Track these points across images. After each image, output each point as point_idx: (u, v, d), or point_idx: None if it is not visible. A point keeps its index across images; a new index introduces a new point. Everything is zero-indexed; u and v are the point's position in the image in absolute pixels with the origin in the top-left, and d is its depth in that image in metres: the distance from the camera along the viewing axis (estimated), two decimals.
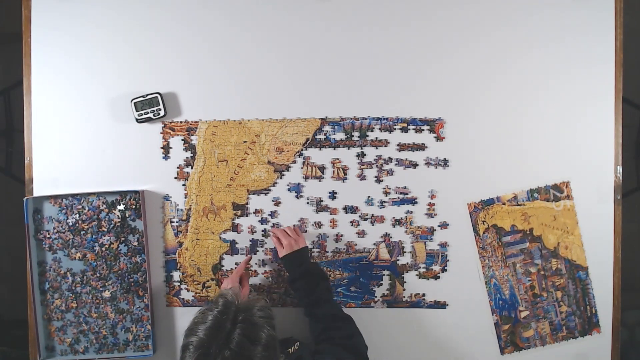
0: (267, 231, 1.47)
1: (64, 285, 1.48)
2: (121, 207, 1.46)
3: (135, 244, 1.47)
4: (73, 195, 1.46)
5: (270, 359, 1.06)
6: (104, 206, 1.46)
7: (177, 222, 1.48)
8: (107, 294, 1.48)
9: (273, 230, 1.44)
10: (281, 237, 1.40)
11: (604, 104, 1.45)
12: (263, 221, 1.48)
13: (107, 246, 1.47)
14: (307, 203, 1.47)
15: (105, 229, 1.47)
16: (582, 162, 1.45)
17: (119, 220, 1.46)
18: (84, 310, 1.48)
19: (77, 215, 1.46)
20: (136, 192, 1.46)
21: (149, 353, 1.47)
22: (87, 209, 1.47)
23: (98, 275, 1.47)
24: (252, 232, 1.48)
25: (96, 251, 1.47)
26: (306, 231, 1.48)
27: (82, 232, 1.47)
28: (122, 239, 1.47)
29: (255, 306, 1.12)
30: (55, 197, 1.46)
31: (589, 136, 1.45)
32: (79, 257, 1.47)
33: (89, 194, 1.46)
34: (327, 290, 1.36)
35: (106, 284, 1.47)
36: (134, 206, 1.46)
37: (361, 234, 1.47)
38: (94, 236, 1.47)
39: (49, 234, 1.47)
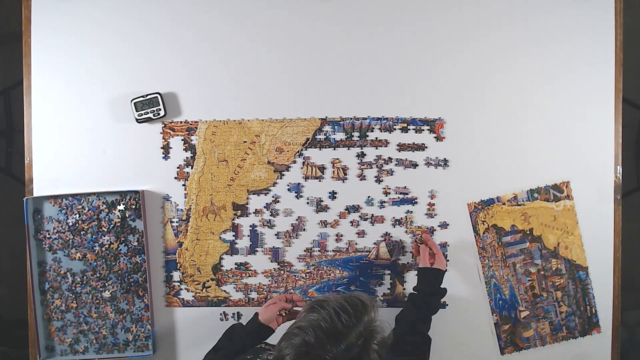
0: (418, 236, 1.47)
1: (64, 285, 1.48)
2: (121, 207, 1.46)
3: (135, 244, 1.47)
4: (73, 195, 1.46)
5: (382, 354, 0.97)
6: (104, 206, 1.46)
7: (177, 222, 1.48)
8: (107, 294, 1.48)
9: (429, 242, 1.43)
10: (437, 251, 1.39)
11: (604, 104, 1.45)
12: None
13: (107, 246, 1.47)
14: (307, 203, 1.47)
15: (105, 229, 1.47)
16: (582, 162, 1.45)
17: (119, 220, 1.46)
18: (84, 310, 1.48)
19: (77, 215, 1.46)
20: (136, 192, 1.46)
21: (148, 353, 1.47)
22: (87, 209, 1.47)
23: (98, 275, 1.47)
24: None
25: (96, 251, 1.47)
26: (305, 230, 1.48)
27: (82, 232, 1.47)
28: (122, 239, 1.47)
29: (378, 337, 0.99)
30: (55, 197, 1.46)
31: (589, 136, 1.45)
32: (79, 257, 1.47)
33: (89, 194, 1.46)
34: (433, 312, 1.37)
35: (106, 284, 1.47)
36: (134, 206, 1.46)
37: (361, 233, 1.47)
38: (94, 236, 1.47)
39: (49, 234, 1.47)
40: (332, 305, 0.98)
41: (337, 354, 0.91)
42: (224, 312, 1.49)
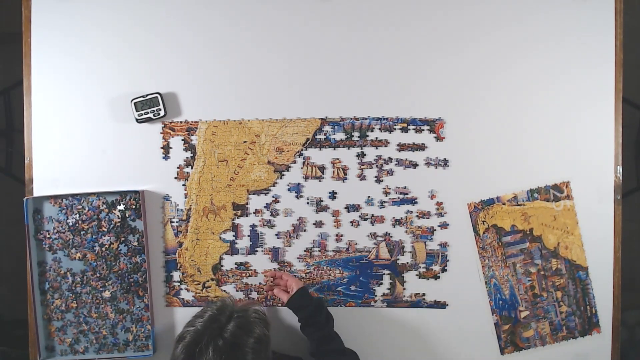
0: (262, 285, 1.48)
1: (64, 285, 1.48)
2: (121, 207, 1.46)
3: (135, 244, 1.47)
4: (73, 195, 1.46)
5: (261, 353, 1.12)
6: (104, 206, 1.46)
7: (177, 222, 1.48)
8: (107, 294, 1.48)
9: (272, 281, 1.46)
10: (286, 277, 1.43)
11: (604, 104, 1.45)
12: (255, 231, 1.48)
13: (107, 246, 1.47)
14: (307, 203, 1.47)
15: (105, 229, 1.47)
16: (582, 162, 1.45)
17: (119, 220, 1.46)
18: (84, 311, 1.48)
19: (77, 215, 1.46)
20: (136, 192, 1.46)
21: (148, 353, 1.47)
22: (87, 209, 1.47)
23: (98, 275, 1.47)
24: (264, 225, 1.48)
25: (96, 251, 1.47)
26: (305, 230, 1.48)
27: (82, 232, 1.47)
28: (122, 239, 1.47)
29: (251, 308, 1.19)
30: (55, 197, 1.46)
31: (589, 136, 1.45)
32: (79, 257, 1.47)
33: (89, 194, 1.46)
34: (331, 329, 1.37)
35: (106, 284, 1.47)
36: (134, 206, 1.46)
37: (361, 234, 1.47)
38: (94, 236, 1.47)
39: (49, 234, 1.47)
40: (197, 313, 1.21)
41: (215, 331, 1.11)
42: None
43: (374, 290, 1.48)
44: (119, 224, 1.46)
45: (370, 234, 1.47)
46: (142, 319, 1.48)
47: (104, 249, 1.47)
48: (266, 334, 1.16)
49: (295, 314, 1.38)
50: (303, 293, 1.38)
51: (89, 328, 1.48)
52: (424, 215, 1.47)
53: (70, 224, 1.46)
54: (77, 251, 1.47)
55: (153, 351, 1.47)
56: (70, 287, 1.48)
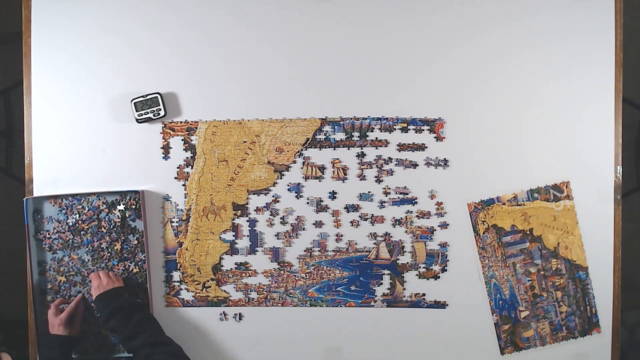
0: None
1: (63, 285, 1.47)
2: (121, 207, 1.46)
3: (135, 243, 1.47)
4: (73, 195, 1.46)
5: None
6: (104, 206, 1.46)
7: (177, 222, 1.48)
8: None
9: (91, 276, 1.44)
10: (94, 277, 1.41)
11: (604, 104, 1.45)
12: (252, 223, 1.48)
13: (107, 246, 1.47)
14: (307, 203, 1.48)
15: (105, 229, 1.47)
16: (582, 162, 1.45)
17: (119, 220, 1.46)
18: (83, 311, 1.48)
19: (77, 216, 1.46)
20: (136, 192, 1.46)
21: None
22: (87, 209, 1.47)
23: None
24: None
25: (97, 252, 1.47)
26: (304, 229, 1.48)
27: (82, 232, 1.47)
28: (122, 239, 1.47)
29: None
30: (55, 197, 1.46)
31: (589, 136, 1.45)
32: (79, 257, 1.47)
33: (89, 194, 1.46)
34: (144, 319, 1.36)
35: None
36: (134, 206, 1.46)
37: (361, 234, 1.47)
38: (94, 237, 1.47)
39: (49, 234, 1.47)
40: None
41: None
42: (223, 312, 1.49)
43: (374, 290, 1.48)
44: (119, 224, 1.46)
45: (370, 234, 1.47)
46: None
47: (103, 248, 1.47)
48: None
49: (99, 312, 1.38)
50: (116, 291, 1.38)
51: (89, 328, 1.48)
52: (424, 215, 1.47)
53: (70, 224, 1.46)
54: (77, 251, 1.47)
55: None
56: (69, 287, 1.48)
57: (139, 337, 1.31)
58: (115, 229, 1.47)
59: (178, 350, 1.34)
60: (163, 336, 1.36)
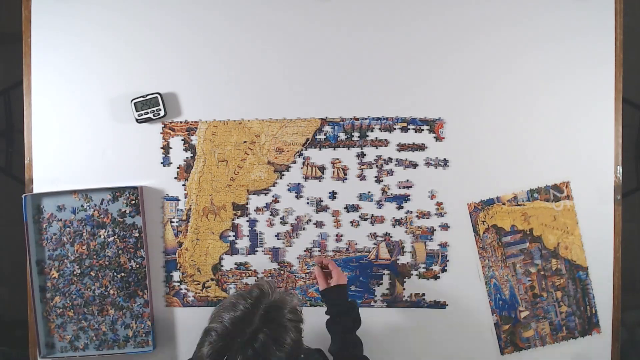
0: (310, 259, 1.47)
1: (63, 282, 1.48)
2: (121, 204, 1.46)
3: (135, 241, 1.47)
4: (72, 192, 1.46)
5: None
6: (104, 204, 1.47)
7: (177, 222, 1.48)
8: (106, 292, 1.48)
9: (324, 261, 1.38)
10: (332, 267, 1.35)
11: (604, 104, 1.45)
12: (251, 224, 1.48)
13: (106, 243, 1.47)
14: (307, 203, 1.47)
15: (105, 227, 1.46)
16: (582, 162, 1.45)
17: (119, 218, 1.46)
18: (83, 308, 1.48)
19: (77, 214, 1.46)
20: (135, 187, 1.46)
21: (149, 349, 1.47)
22: (86, 206, 1.47)
23: (97, 273, 1.47)
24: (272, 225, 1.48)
25: (96, 249, 1.47)
26: (304, 229, 1.48)
27: (81, 231, 1.47)
28: (122, 236, 1.47)
29: (287, 307, 1.08)
30: (54, 194, 1.46)
31: (589, 136, 1.45)
32: (79, 255, 1.47)
33: (88, 190, 1.46)
34: (355, 337, 1.34)
35: (106, 282, 1.47)
36: (133, 202, 1.46)
37: (361, 234, 1.47)
38: (92, 235, 1.47)
39: (48, 232, 1.47)
40: (230, 299, 1.09)
41: (246, 336, 1.01)
42: None
43: (374, 290, 1.48)
44: (118, 222, 1.46)
45: (370, 234, 1.47)
46: (142, 315, 1.48)
47: (103, 246, 1.47)
48: (298, 341, 1.07)
49: (326, 305, 1.34)
50: (342, 289, 1.33)
51: (89, 325, 1.48)
52: (424, 215, 1.47)
53: (70, 222, 1.46)
54: (76, 248, 1.47)
55: (153, 347, 1.47)
56: (69, 284, 1.48)
57: (352, 349, 1.30)
58: (114, 226, 1.46)
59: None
60: (362, 352, 1.32)
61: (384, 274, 1.48)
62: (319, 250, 1.48)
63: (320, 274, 1.34)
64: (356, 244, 1.48)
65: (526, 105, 1.45)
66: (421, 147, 1.46)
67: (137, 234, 1.47)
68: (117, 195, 1.47)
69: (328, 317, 1.33)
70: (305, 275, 1.48)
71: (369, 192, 1.47)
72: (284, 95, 1.47)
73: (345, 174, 1.47)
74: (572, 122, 1.45)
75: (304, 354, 1.15)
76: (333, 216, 1.47)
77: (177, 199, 1.48)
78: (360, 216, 1.47)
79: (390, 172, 1.47)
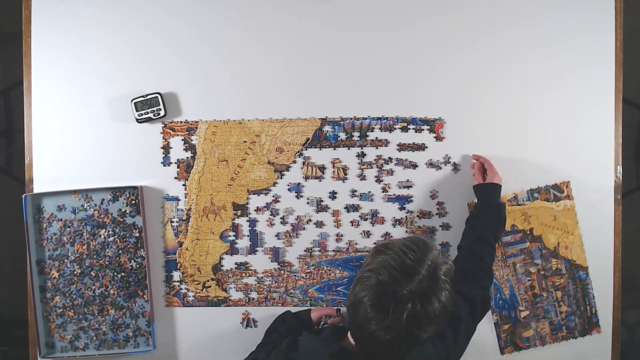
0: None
1: (63, 282, 1.48)
2: (121, 204, 1.46)
3: (135, 241, 1.47)
4: (72, 192, 1.46)
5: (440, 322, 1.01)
6: (104, 203, 1.47)
7: (177, 222, 1.48)
8: (106, 292, 1.48)
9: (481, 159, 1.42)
10: (488, 166, 1.39)
11: (604, 104, 1.45)
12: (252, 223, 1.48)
13: (106, 243, 1.47)
14: (307, 203, 1.48)
15: (105, 227, 1.47)
16: (582, 162, 1.45)
17: (119, 217, 1.46)
18: (83, 308, 1.48)
19: (77, 213, 1.46)
20: (135, 187, 1.46)
21: (149, 349, 1.47)
22: (86, 206, 1.47)
23: (97, 273, 1.47)
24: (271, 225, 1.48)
25: (96, 249, 1.47)
26: (305, 229, 1.48)
27: (81, 230, 1.47)
28: (122, 235, 1.47)
29: (443, 268, 1.01)
30: (54, 194, 1.46)
31: (589, 136, 1.45)
32: (79, 255, 1.47)
33: (88, 190, 1.46)
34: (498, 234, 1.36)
35: (106, 282, 1.47)
36: (133, 201, 1.46)
37: (362, 234, 1.47)
38: (93, 235, 1.47)
39: (48, 232, 1.47)
40: (398, 246, 1.03)
41: (412, 287, 0.95)
42: (247, 313, 1.49)
43: None
44: (118, 221, 1.47)
45: (371, 234, 1.47)
46: (143, 314, 1.48)
47: (103, 246, 1.47)
48: (448, 301, 1.01)
49: (478, 199, 1.39)
50: (496, 187, 1.37)
51: (89, 325, 1.48)
52: (424, 215, 1.47)
53: (70, 221, 1.46)
54: (76, 248, 1.47)
55: (153, 347, 1.47)
56: (69, 284, 1.48)
57: (488, 246, 1.32)
58: (114, 225, 1.46)
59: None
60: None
61: None
62: (319, 250, 1.48)
63: (479, 168, 1.40)
64: (356, 244, 1.48)
65: (526, 105, 1.45)
66: (421, 147, 1.46)
67: (137, 234, 1.47)
68: (117, 195, 1.47)
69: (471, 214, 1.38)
70: (306, 275, 1.48)
71: (369, 192, 1.47)
72: (284, 95, 1.47)
73: (345, 174, 1.47)
74: (572, 122, 1.45)
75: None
76: (333, 216, 1.47)
77: (177, 199, 1.48)
78: (360, 216, 1.47)
79: (391, 172, 1.47)
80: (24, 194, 1.45)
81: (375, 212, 1.47)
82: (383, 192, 1.47)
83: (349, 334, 1.09)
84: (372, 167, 1.47)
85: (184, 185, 1.48)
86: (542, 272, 1.47)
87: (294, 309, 1.47)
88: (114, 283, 1.47)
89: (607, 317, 1.47)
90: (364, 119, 1.47)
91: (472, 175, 1.43)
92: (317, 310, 1.43)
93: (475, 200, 1.45)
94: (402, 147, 1.46)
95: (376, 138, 1.47)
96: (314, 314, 1.41)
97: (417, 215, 1.47)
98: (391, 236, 1.47)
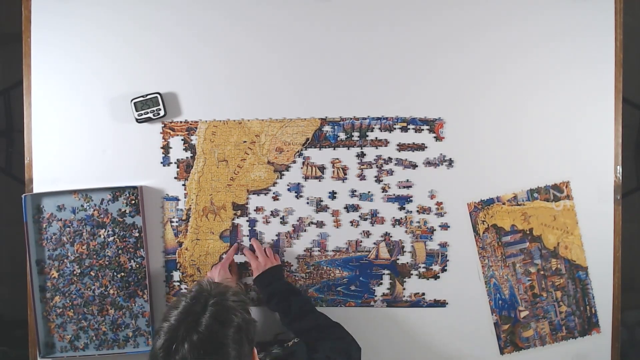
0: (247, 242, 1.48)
1: (63, 282, 1.48)
2: (121, 204, 1.46)
3: (135, 241, 1.47)
4: (72, 192, 1.46)
5: (243, 342, 1.03)
6: (104, 203, 1.47)
7: (176, 222, 1.48)
8: (106, 292, 1.48)
9: (252, 244, 1.46)
10: (252, 257, 1.43)
11: (604, 104, 1.45)
12: (252, 224, 1.48)
13: (106, 244, 1.47)
14: (307, 203, 1.48)
15: (105, 227, 1.47)
16: (582, 162, 1.45)
17: (118, 217, 1.46)
18: (83, 308, 1.48)
19: (77, 213, 1.46)
20: (134, 187, 1.46)
21: (149, 349, 1.47)
22: (86, 206, 1.47)
23: (97, 273, 1.47)
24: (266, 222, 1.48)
25: (96, 249, 1.47)
26: (305, 230, 1.48)
27: (81, 230, 1.47)
28: (122, 235, 1.47)
29: (229, 291, 1.09)
30: (54, 194, 1.46)
31: (589, 136, 1.45)
32: (79, 255, 1.47)
33: (88, 190, 1.46)
34: (303, 304, 1.37)
35: (105, 282, 1.48)
36: (133, 201, 1.46)
37: (362, 234, 1.47)
38: (92, 235, 1.47)
39: (48, 232, 1.47)
40: (173, 300, 1.14)
41: (190, 324, 1.00)
42: None
43: (374, 290, 1.48)
44: (118, 221, 1.47)
45: (370, 233, 1.47)
46: (142, 314, 1.48)
47: (103, 246, 1.47)
48: (247, 320, 1.07)
49: (262, 294, 1.41)
50: (276, 270, 1.40)
51: (89, 324, 1.48)
52: (424, 210, 1.47)
53: (70, 221, 1.47)
54: (76, 248, 1.47)
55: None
56: (69, 284, 1.48)
57: (304, 319, 1.33)
58: (114, 225, 1.47)
59: (345, 334, 1.33)
60: (329, 320, 1.35)
61: (384, 274, 1.48)
62: (318, 250, 1.48)
63: (249, 254, 1.43)
64: (356, 244, 1.48)
65: (526, 104, 1.45)
66: (421, 147, 1.46)
67: (137, 234, 1.47)
68: (117, 195, 1.47)
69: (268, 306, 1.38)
70: (306, 275, 1.48)
71: (369, 192, 1.47)
72: (284, 95, 1.47)
73: (345, 174, 1.47)
74: (572, 122, 1.45)
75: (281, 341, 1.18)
76: (333, 216, 1.47)
77: (177, 199, 1.48)
78: (360, 216, 1.47)
79: (390, 172, 1.47)
80: (24, 194, 1.45)
81: (375, 212, 1.47)
82: (383, 192, 1.47)
83: None
84: (371, 167, 1.47)
85: (183, 185, 1.48)
86: (542, 272, 1.47)
87: None
88: (114, 283, 1.48)
89: (606, 317, 1.47)
90: (364, 119, 1.47)
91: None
92: (219, 266, 1.43)
93: (476, 201, 1.45)
94: (401, 147, 1.46)
95: (376, 138, 1.47)
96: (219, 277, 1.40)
97: (417, 214, 1.47)
98: (391, 236, 1.47)
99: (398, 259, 1.48)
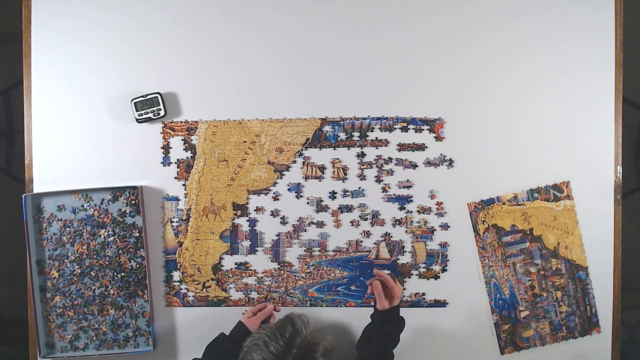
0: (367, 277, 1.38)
1: (63, 282, 1.48)
2: (121, 204, 1.46)
3: (135, 241, 1.47)
4: (72, 192, 1.46)
5: None
6: (104, 203, 1.47)
7: (177, 222, 1.48)
8: (106, 292, 1.48)
9: (381, 276, 1.32)
10: (391, 285, 1.30)
11: (604, 104, 1.45)
12: (251, 223, 1.48)
13: (106, 244, 1.47)
14: (307, 203, 1.48)
15: (105, 227, 1.47)
16: (582, 162, 1.45)
17: (119, 217, 1.46)
18: (83, 308, 1.48)
19: (77, 213, 1.46)
20: (135, 187, 1.46)
21: (149, 349, 1.47)
22: (86, 206, 1.47)
23: (97, 273, 1.47)
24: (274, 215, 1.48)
25: (96, 249, 1.47)
26: (306, 230, 1.48)
27: (81, 230, 1.47)
28: (122, 235, 1.47)
29: (320, 347, 1.08)
30: (54, 194, 1.46)
31: (589, 136, 1.45)
32: (79, 255, 1.47)
33: (88, 190, 1.46)
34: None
35: (106, 282, 1.48)
36: (133, 201, 1.46)
37: (362, 234, 1.47)
38: (93, 235, 1.47)
39: (48, 232, 1.47)
40: (262, 338, 1.09)
41: None
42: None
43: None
44: (118, 221, 1.47)
45: (371, 234, 1.47)
46: (143, 314, 1.48)
47: (103, 246, 1.47)
48: (327, 345, 1.07)
49: (377, 324, 1.31)
50: (397, 309, 1.32)
51: (89, 324, 1.48)
52: (424, 210, 1.47)
53: (70, 221, 1.46)
54: (76, 248, 1.47)
55: (153, 347, 1.47)
56: (69, 284, 1.48)
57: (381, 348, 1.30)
58: (114, 225, 1.47)
59: None
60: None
61: None
62: (319, 250, 1.48)
63: (379, 292, 1.27)
64: (356, 244, 1.48)
65: (526, 105, 1.45)
66: (421, 147, 1.46)
67: (137, 234, 1.47)
68: (117, 195, 1.47)
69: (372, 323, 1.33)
70: (306, 275, 1.48)
71: (360, 187, 1.47)
72: (284, 95, 1.47)
73: (345, 174, 1.47)
74: (572, 122, 1.45)
75: None
76: (333, 216, 1.47)
77: (177, 199, 1.48)
78: (360, 216, 1.47)
79: (391, 172, 1.47)
80: (24, 194, 1.45)
81: (375, 212, 1.47)
82: (383, 192, 1.47)
83: None
84: (372, 167, 1.47)
85: (183, 185, 1.48)
86: (542, 272, 1.47)
87: (294, 309, 1.47)
88: (114, 283, 1.48)
89: (607, 317, 1.47)
90: (364, 119, 1.47)
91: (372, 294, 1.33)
92: (248, 314, 1.39)
93: (476, 201, 1.45)
94: (402, 147, 1.46)
95: (376, 138, 1.47)
96: (249, 322, 1.36)
97: (417, 216, 1.47)
98: (391, 236, 1.47)
99: (398, 259, 1.48)
